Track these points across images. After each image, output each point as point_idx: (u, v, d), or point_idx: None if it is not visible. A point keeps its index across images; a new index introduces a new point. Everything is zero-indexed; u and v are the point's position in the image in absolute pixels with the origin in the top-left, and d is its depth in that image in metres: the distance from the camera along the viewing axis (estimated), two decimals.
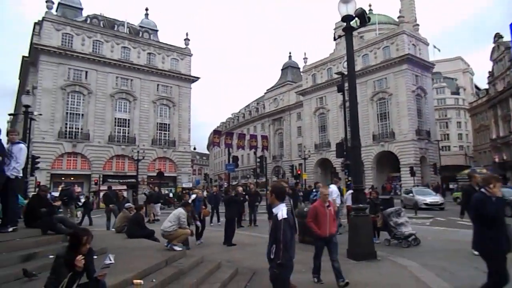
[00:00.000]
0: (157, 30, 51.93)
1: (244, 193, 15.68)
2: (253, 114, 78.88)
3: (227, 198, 12.11)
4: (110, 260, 3.59)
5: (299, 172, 39.25)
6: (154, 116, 45.96)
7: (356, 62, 40.63)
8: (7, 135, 6.95)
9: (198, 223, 10.49)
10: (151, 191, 20.04)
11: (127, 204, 11.71)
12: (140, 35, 48.33)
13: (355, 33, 10.90)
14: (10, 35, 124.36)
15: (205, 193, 20.45)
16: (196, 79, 50.76)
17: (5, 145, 6.45)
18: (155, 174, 39.97)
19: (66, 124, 39.30)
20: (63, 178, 37.02)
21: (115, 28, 46.56)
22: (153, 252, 7.41)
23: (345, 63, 10.70)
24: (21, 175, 6.75)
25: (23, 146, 6.92)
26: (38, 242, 6.45)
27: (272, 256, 3.65)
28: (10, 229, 6.33)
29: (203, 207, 11.58)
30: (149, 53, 47.22)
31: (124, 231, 10.01)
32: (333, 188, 11.20)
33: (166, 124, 47.13)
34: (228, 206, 11.47)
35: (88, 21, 44.69)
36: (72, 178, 37.86)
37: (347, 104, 13.83)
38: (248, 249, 9.49)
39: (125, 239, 9.28)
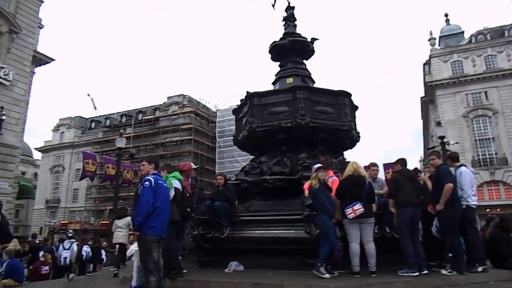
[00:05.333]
0: None
1: None
2: None
3: None
4: None
5: None
6: None
7: None
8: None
9: None
10: None
11: None
12: None
13: None
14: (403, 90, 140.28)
15: None
16: None
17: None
18: None
19: (477, 151, 36.80)
20: (487, 210, 33.93)
21: (505, 35, 40.65)
22: None
23: None
24: (474, 203, 5.70)
25: (464, 169, 5.92)
26: None
27: None
28: (480, 269, 5.28)
29: None
30: None
31: None
32: None
33: None
34: None
35: (473, 40, 41.88)
36: (498, 210, 33.95)
37: None
38: None
39: None
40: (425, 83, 42.26)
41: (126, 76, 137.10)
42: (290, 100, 7.81)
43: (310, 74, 9.34)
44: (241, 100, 8.90)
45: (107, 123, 51.03)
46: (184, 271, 5.50)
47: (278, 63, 9.63)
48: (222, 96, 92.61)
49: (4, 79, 19.60)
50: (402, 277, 4.94)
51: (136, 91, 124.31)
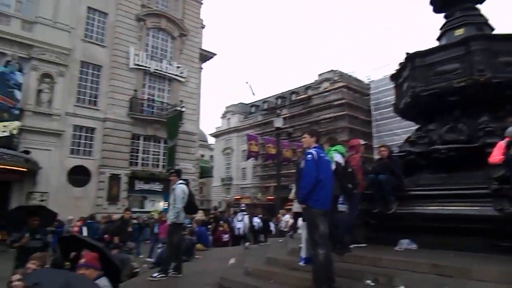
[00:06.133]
0: None
1: None
2: None
3: None
4: None
5: None
6: None
7: None
8: None
9: None
10: None
11: None
12: None
13: None
14: None
15: None
16: None
17: None
18: None
19: None
20: None
21: None
22: None
23: None
24: None
25: None
26: None
27: None
28: None
29: None
30: None
31: None
32: None
33: None
34: None
35: None
36: None
37: None
38: None
39: None
40: None
41: (279, 59, 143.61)
42: (463, 54, 6.58)
43: (487, 20, 7.69)
44: (399, 64, 8.01)
45: (265, 106, 54.80)
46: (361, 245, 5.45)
47: (443, 14, 8.27)
48: (374, 66, 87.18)
49: (181, 76, 23.18)
50: None
51: (289, 72, 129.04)
